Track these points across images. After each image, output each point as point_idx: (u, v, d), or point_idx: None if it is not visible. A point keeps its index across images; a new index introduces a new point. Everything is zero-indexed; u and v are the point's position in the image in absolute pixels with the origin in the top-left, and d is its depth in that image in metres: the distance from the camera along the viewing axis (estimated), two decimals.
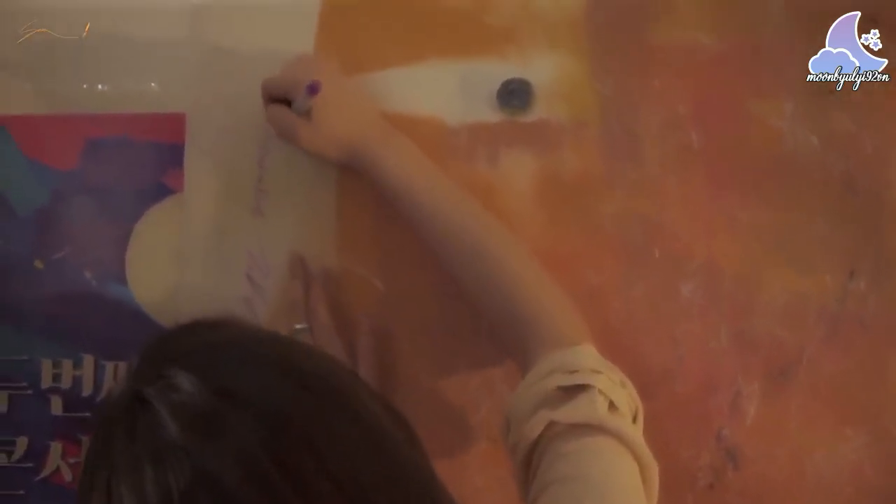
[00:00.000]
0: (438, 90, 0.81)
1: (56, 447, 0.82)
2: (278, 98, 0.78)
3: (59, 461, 0.82)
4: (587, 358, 0.67)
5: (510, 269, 0.72)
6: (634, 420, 0.67)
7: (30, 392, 0.83)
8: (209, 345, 0.53)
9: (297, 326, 0.78)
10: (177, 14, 0.83)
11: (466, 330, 0.81)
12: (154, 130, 0.83)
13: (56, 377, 0.82)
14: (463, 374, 0.81)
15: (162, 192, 0.83)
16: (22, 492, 0.83)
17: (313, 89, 0.73)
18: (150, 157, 0.83)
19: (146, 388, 0.50)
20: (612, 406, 0.65)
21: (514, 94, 0.81)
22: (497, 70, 0.81)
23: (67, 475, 0.83)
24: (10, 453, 0.83)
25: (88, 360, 0.82)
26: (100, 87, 0.83)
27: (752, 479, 0.80)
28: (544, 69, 0.81)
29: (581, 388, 0.65)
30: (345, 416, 0.51)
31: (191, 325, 0.56)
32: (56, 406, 0.83)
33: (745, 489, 0.80)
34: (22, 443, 0.83)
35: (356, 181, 0.82)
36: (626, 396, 0.66)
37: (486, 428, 0.80)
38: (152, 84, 0.83)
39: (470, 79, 0.81)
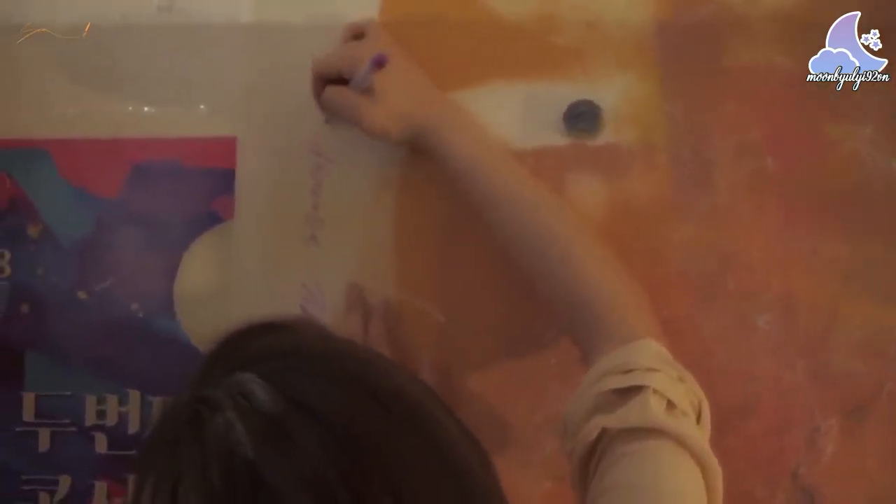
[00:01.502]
0: (503, 113, 0.78)
1: (101, 487, 0.79)
2: (331, 79, 0.74)
3: (105, 502, 0.79)
4: (644, 355, 0.64)
5: (575, 259, 0.69)
6: (699, 417, 0.63)
7: (73, 429, 0.79)
8: (284, 351, 0.50)
9: None
10: (226, 33, 0.80)
11: (530, 364, 0.78)
12: (203, 155, 0.79)
13: (100, 414, 0.79)
14: (526, 409, 0.78)
15: (211, 219, 0.79)
16: None
17: (380, 62, 0.69)
18: (199, 183, 0.79)
19: (215, 394, 0.47)
20: (670, 405, 0.62)
21: (581, 117, 0.78)
22: (563, 92, 0.78)
23: None
24: (52, 493, 0.80)
25: (134, 396, 0.79)
26: (146, 109, 0.80)
27: None
28: (612, 91, 0.78)
29: (636, 390, 0.62)
30: (421, 441, 0.49)
31: (262, 325, 0.53)
32: (101, 444, 0.79)
33: None
34: (65, 482, 0.79)
35: (415, 206, 0.79)
36: (686, 392, 0.63)
37: (551, 467, 0.77)
38: (201, 106, 0.80)
39: (535, 101, 0.78)
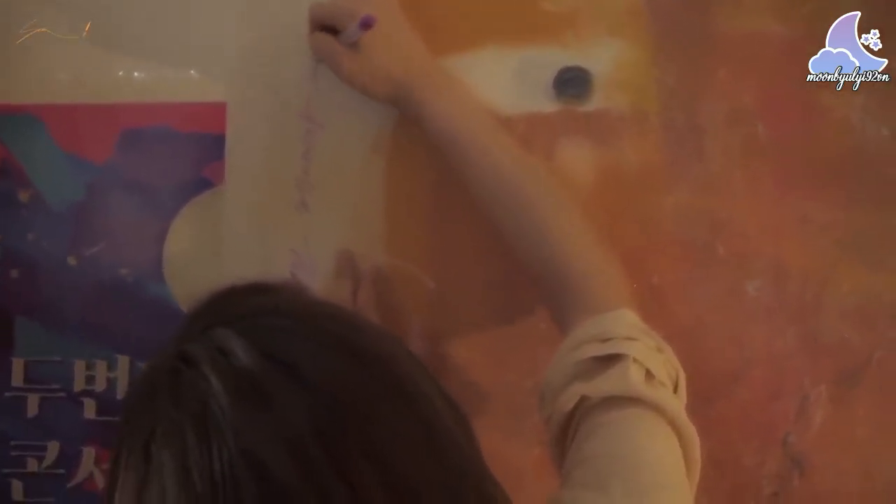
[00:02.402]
0: (493, 78, 0.78)
1: (89, 452, 0.79)
2: (326, 25, 0.74)
3: (93, 467, 0.79)
4: (621, 325, 0.64)
5: (555, 230, 0.69)
6: (676, 388, 0.63)
7: (62, 395, 0.79)
8: (266, 310, 0.50)
9: None
10: None
11: (520, 330, 0.78)
12: (193, 120, 0.79)
13: (89, 379, 0.79)
14: (516, 375, 0.78)
15: (202, 185, 0.79)
16: (53, 499, 0.80)
17: (367, 24, 0.69)
18: (189, 148, 0.79)
19: (193, 349, 0.47)
20: (648, 375, 0.61)
21: (572, 83, 0.78)
22: (554, 58, 0.78)
23: (101, 482, 0.79)
24: (40, 459, 0.79)
25: (123, 362, 0.79)
26: (136, 74, 0.80)
27: (819, 488, 0.77)
28: (603, 57, 0.78)
29: (615, 358, 0.62)
30: (404, 408, 0.48)
31: (246, 286, 0.52)
32: (89, 409, 0.79)
33: (810, 498, 0.77)
34: (53, 448, 0.79)
35: (406, 172, 0.79)
36: (664, 362, 0.63)
37: (540, 433, 0.76)
38: (191, 71, 0.80)
39: (526, 67, 0.78)
